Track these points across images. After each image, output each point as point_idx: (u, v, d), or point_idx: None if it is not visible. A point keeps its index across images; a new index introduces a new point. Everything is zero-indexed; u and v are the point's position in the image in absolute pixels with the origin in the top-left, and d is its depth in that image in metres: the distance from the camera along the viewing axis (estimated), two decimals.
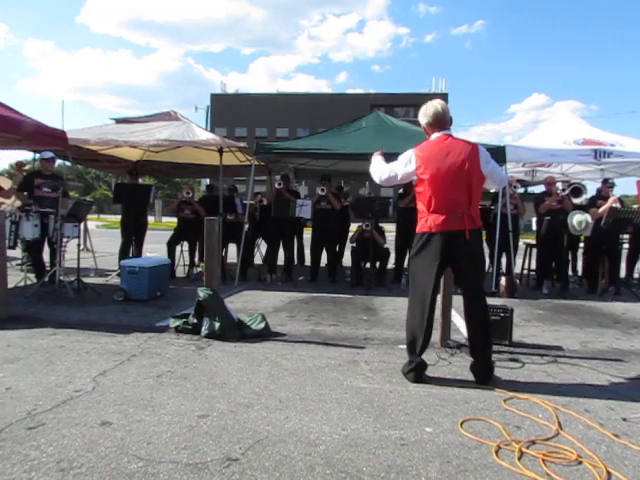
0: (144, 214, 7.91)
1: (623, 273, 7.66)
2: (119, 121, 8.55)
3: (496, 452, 2.34)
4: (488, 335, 3.38)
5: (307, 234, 8.66)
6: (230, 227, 7.45)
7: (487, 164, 3.35)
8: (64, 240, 6.19)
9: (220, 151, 7.34)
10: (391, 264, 7.79)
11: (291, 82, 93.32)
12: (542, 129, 8.72)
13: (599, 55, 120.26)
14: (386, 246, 7.41)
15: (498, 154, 6.29)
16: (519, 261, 7.92)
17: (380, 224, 7.56)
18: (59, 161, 7.95)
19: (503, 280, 6.81)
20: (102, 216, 33.60)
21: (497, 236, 7.01)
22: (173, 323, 4.49)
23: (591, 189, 7.89)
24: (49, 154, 6.57)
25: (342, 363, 3.66)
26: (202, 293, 4.32)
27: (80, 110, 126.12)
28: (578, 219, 6.76)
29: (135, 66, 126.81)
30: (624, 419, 2.77)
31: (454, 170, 3.23)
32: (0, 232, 4.78)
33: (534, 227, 7.59)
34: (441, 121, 3.40)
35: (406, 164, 3.39)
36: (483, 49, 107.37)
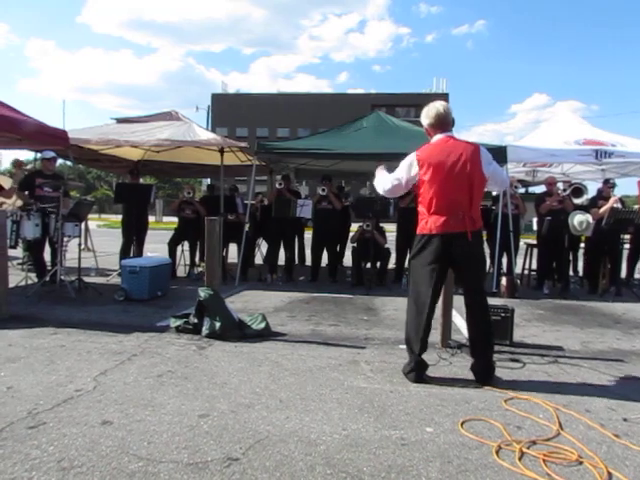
0: (145, 214, 7.93)
1: (624, 273, 7.65)
2: (120, 121, 8.55)
3: (497, 452, 2.34)
4: (489, 335, 3.38)
5: (308, 234, 8.67)
6: (231, 227, 7.46)
7: (489, 166, 3.34)
8: (65, 240, 6.19)
9: (221, 151, 7.34)
10: (392, 264, 7.79)
11: (292, 82, 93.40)
12: (543, 129, 8.71)
13: (600, 55, 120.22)
14: (387, 246, 7.41)
15: (499, 154, 6.29)
16: (520, 261, 7.92)
17: (381, 224, 7.56)
18: (60, 161, 7.96)
19: (504, 280, 6.80)
20: (103, 216, 33.65)
21: (498, 236, 7.00)
22: (174, 323, 4.50)
23: (592, 189, 7.88)
24: (50, 154, 6.58)
25: (343, 363, 3.66)
26: (203, 293, 4.32)
27: (81, 110, 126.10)
28: (579, 219, 6.76)
29: (136, 66, 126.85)
30: (625, 419, 2.77)
31: (455, 172, 3.22)
32: (1, 232, 4.78)
33: (535, 227, 7.59)
34: (443, 122, 3.40)
35: (409, 169, 3.37)
36: (484, 49, 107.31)
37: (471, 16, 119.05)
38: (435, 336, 4.16)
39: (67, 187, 6.43)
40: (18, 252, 7.57)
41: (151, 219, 10.11)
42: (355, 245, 7.46)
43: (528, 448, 2.39)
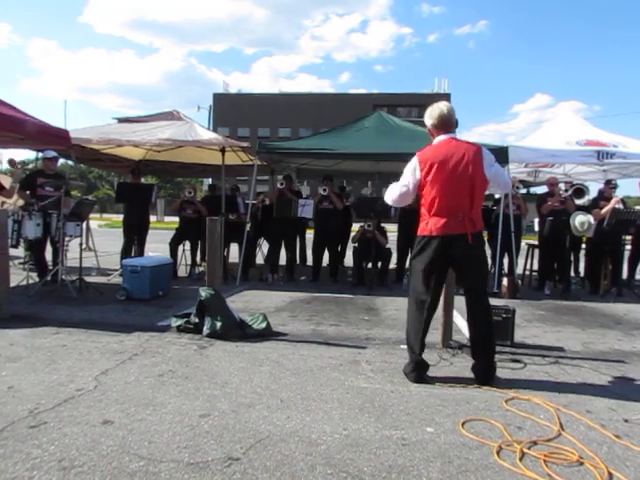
0: (146, 213, 7.93)
1: (625, 274, 7.63)
2: (122, 121, 8.57)
3: (497, 453, 2.34)
4: (491, 336, 3.38)
5: (309, 234, 8.67)
6: (232, 227, 7.46)
7: (491, 167, 3.32)
8: (66, 239, 6.20)
9: (222, 151, 7.34)
10: (393, 264, 7.79)
11: (294, 82, 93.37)
12: (545, 129, 8.70)
13: (602, 55, 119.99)
14: (388, 246, 7.41)
15: (501, 154, 6.29)
16: (521, 262, 7.91)
17: (382, 224, 7.56)
18: (62, 160, 7.97)
19: (505, 281, 6.80)
20: (104, 215, 33.69)
21: (499, 237, 7.00)
22: (175, 322, 4.50)
23: (593, 190, 7.88)
24: (52, 153, 6.59)
25: (343, 363, 3.66)
26: (204, 293, 4.33)
27: (83, 110, 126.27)
28: (580, 220, 6.75)
29: (138, 66, 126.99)
30: (626, 420, 2.77)
31: (456, 173, 3.22)
32: (2, 231, 4.79)
33: (536, 228, 7.58)
34: (446, 123, 3.39)
35: (413, 172, 3.36)
36: (486, 49, 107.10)
37: (473, 16, 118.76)
38: (436, 336, 4.17)
39: (68, 187, 6.44)
40: (19, 252, 7.59)
41: (152, 219, 10.11)
42: (356, 245, 7.46)
43: (529, 448, 2.39)
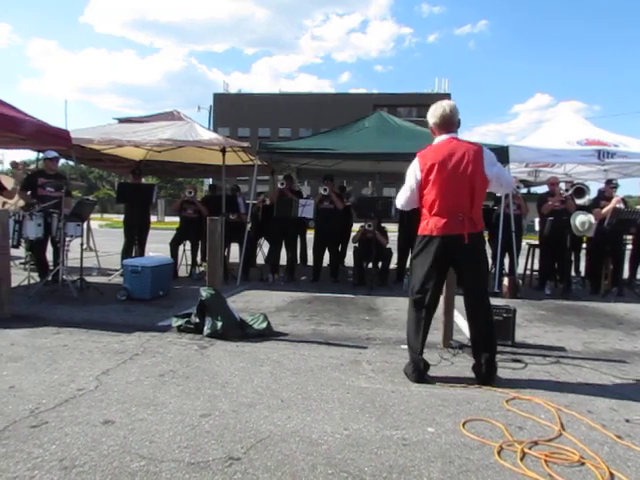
0: (147, 214, 7.93)
1: (626, 274, 7.63)
2: (122, 121, 8.57)
3: (498, 453, 2.33)
4: (492, 336, 3.37)
5: (310, 234, 8.67)
6: (233, 227, 7.46)
7: (492, 167, 3.31)
8: (67, 239, 6.21)
9: (223, 151, 7.34)
10: (393, 264, 7.79)
11: (294, 82, 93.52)
12: (545, 129, 8.69)
13: (603, 55, 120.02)
14: (388, 246, 7.41)
15: (501, 154, 6.28)
16: (522, 261, 7.91)
17: (382, 224, 7.56)
18: (62, 161, 7.97)
19: (506, 280, 6.79)
20: (105, 215, 33.72)
21: (500, 236, 6.99)
22: (175, 322, 4.50)
23: (594, 190, 7.87)
24: (52, 153, 6.60)
25: (344, 363, 3.66)
26: (204, 292, 4.33)
27: (83, 110, 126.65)
28: (581, 220, 6.74)
29: (139, 66, 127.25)
30: (627, 420, 2.77)
31: (456, 174, 3.21)
32: (3, 231, 4.79)
33: (537, 227, 7.57)
34: (448, 123, 3.38)
35: (414, 175, 3.36)
36: (486, 49, 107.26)
37: (473, 16, 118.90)
38: (437, 336, 4.16)
39: (69, 187, 6.44)
40: (20, 252, 7.59)
41: (153, 219, 10.11)
42: (357, 245, 7.46)
43: (530, 449, 2.39)
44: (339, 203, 7.73)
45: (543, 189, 8.65)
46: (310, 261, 8.70)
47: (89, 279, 6.57)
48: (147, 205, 7.83)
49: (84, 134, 7.30)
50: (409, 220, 6.86)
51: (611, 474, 2.18)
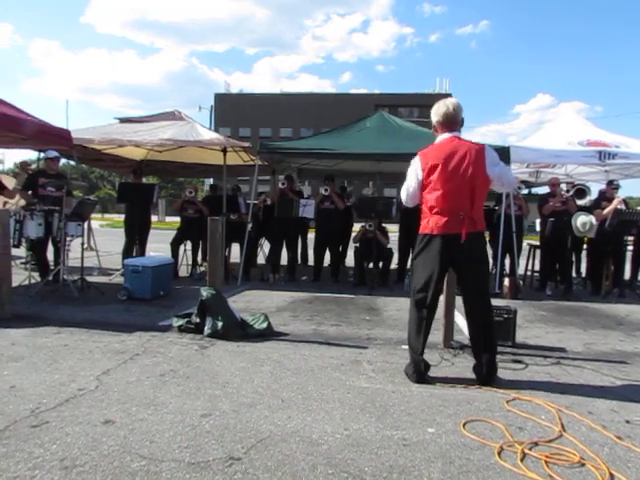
0: (148, 213, 7.94)
1: (627, 275, 7.62)
2: (123, 121, 8.56)
3: (499, 453, 2.33)
4: (492, 336, 3.37)
5: (311, 234, 8.67)
6: (233, 227, 7.46)
7: (494, 167, 3.30)
8: (68, 239, 6.22)
9: (224, 151, 7.34)
10: (394, 264, 7.79)
11: (295, 82, 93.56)
12: (546, 130, 8.69)
13: (604, 56, 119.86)
14: (389, 246, 7.40)
15: (502, 155, 6.26)
16: (523, 262, 7.90)
17: (383, 224, 7.56)
18: (63, 160, 7.98)
19: (506, 281, 6.79)
20: (106, 215, 33.75)
21: (501, 237, 6.99)
22: (176, 322, 4.50)
23: (595, 190, 7.88)
24: (53, 153, 6.61)
25: (345, 363, 3.66)
26: (205, 292, 4.33)
27: (84, 110, 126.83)
28: (582, 220, 6.74)
29: (139, 66, 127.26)
30: (627, 421, 2.76)
31: (457, 173, 3.20)
32: (4, 231, 4.80)
33: (538, 228, 7.57)
34: (451, 122, 3.37)
35: (416, 174, 3.37)
36: (488, 49, 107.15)
37: (475, 16, 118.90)
38: (437, 336, 4.16)
39: (70, 187, 6.45)
40: (21, 251, 7.60)
41: (154, 219, 10.12)
42: (357, 245, 7.46)
43: (530, 449, 2.39)
44: (340, 203, 7.73)
45: (544, 190, 8.67)
46: (311, 261, 8.70)
47: (90, 279, 6.58)
48: (148, 205, 7.84)
49: (85, 134, 7.31)
50: (410, 220, 6.86)
51: (611, 475, 2.18)
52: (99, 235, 11.31)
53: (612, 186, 7.27)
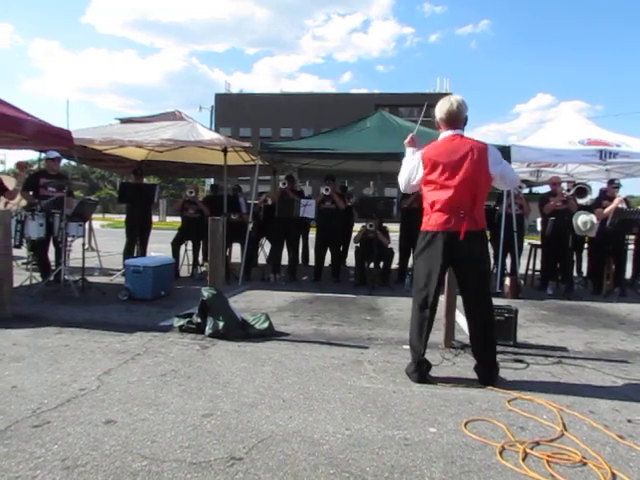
0: (148, 214, 7.94)
1: (630, 274, 7.62)
2: (124, 121, 8.57)
3: (500, 453, 2.33)
4: (492, 336, 3.36)
5: (312, 234, 8.67)
6: (234, 227, 7.47)
7: (497, 165, 3.30)
8: (69, 239, 6.22)
9: (224, 151, 7.34)
10: (395, 264, 7.78)
11: (295, 82, 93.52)
12: (547, 129, 8.68)
13: (605, 55, 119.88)
14: (390, 246, 7.40)
15: (503, 154, 6.25)
16: (524, 261, 7.89)
17: (384, 224, 7.56)
18: (64, 161, 7.98)
19: (507, 281, 6.78)
20: (107, 215, 33.76)
21: (502, 236, 6.99)
22: (177, 322, 4.51)
23: (596, 189, 7.87)
24: (54, 154, 6.61)
25: (346, 363, 3.65)
26: (206, 292, 4.33)
27: (85, 110, 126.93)
28: (583, 220, 6.73)
29: (140, 66, 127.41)
30: (629, 421, 2.76)
31: (459, 172, 3.19)
32: (6, 231, 4.80)
33: (539, 227, 7.57)
34: (454, 119, 3.35)
35: (417, 168, 3.37)
36: (488, 49, 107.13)
37: (475, 16, 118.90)
38: (439, 336, 4.16)
39: (71, 187, 6.45)
40: (22, 252, 7.61)
41: (155, 219, 10.12)
42: (358, 245, 7.46)
43: (532, 449, 2.39)
44: (341, 203, 7.73)
45: (545, 189, 8.67)
46: (312, 261, 8.69)
47: (91, 279, 6.58)
48: (149, 205, 7.84)
49: (86, 134, 7.31)
50: (411, 220, 6.86)
51: (613, 474, 2.18)
52: (100, 235, 11.31)
53: (613, 185, 7.26)
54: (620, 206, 6.69)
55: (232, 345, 4.03)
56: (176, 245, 7.83)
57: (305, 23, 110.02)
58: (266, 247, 8.70)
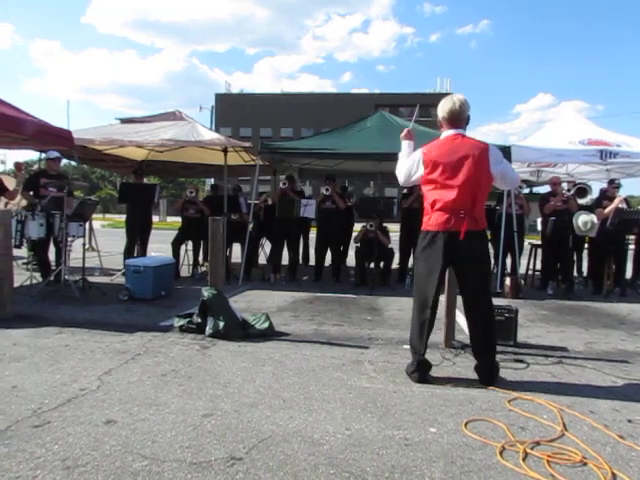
0: (149, 213, 7.94)
1: (630, 274, 7.62)
2: (124, 121, 8.57)
3: (500, 453, 2.33)
4: (492, 336, 3.36)
5: (313, 234, 8.67)
6: (234, 227, 7.47)
7: (497, 165, 3.30)
8: (69, 239, 6.22)
9: (225, 151, 7.34)
10: (395, 264, 7.78)
11: (296, 82, 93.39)
12: (547, 129, 8.68)
13: (605, 55, 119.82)
14: (390, 246, 7.40)
15: (504, 154, 6.26)
16: (524, 261, 7.89)
17: (384, 224, 7.56)
18: (65, 161, 7.99)
19: (508, 280, 6.78)
20: (107, 215, 33.78)
21: (502, 236, 6.98)
22: (177, 322, 4.51)
23: (596, 189, 7.87)
24: (55, 154, 6.61)
25: (346, 363, 3.65)
26: (206, 292, 4.33)
27: (85, 110, 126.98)
28: (584, 219, 6.73)
29: (140, 66, 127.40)
30: (629, 420, 2.76)
31: (460, 172, 3.19)
32: (6, 231, 4.80)
33: (539, 227, 7.57)
34: (456, 118, 3.35)
35: (416, 166, 3.37)
36: (488, 49, 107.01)
37: (475, 16, 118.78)
38: (439, 336, 4.16)
39: (71, 187, 6.45)
40: (23, 252, 7.61)
41: (155, 219, 10.12)
42: (359, 245, 7.46)
43: (532, 449, 2.39)
44: (341, 203, 7.73)
45: (545, 189, 8.67)
46: (312, 261, 8.69)
47: (91, 279, 6.58)
48: (149, 205, 7.84)
49: (86, 134, 7.32)
50: (411, 220, 6.86)
51: (613, 474, 2.18)
52: (100, 235, 11.31)
53: (613, 185, 7.26)
54: (620, 206, 6.69)
55: (232, 345, 4.03)
56: (176, 245, 7.83)
57: (305, 23, 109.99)
58: (266, 247, 8.71)
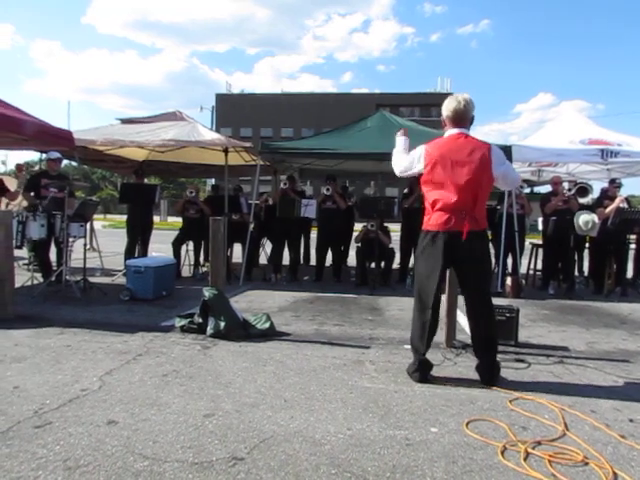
0: (150, 214, 7.95)
1: (631, 273, 7.61)
2: (125, 121, 8.58)
3: (502, 453, 2.33)
4: (493, 336, 3.36)
5: (313, 234, 8.67)
6: (235, 227, 7.47)
7: (500, 166, 3.29)
8: (70, 240, 6.23)
9: (225, 151, 7.35)
10: (396, 264, 7.78)
11: (296, 82, 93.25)
12: (548, 129, 8.68)
13: (606, 54, 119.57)
14: (391, 246, 7.40)
15: (504, 154, 6.27)
16: (525, 261, 7.89)
17: (385, 224, 7.56)
18: (65, 161, 8.00)
19: (509, 280, 6.78)
20: (108, 216, 33.82)
21: (503, 236, 6.98)
22: (178, 323, 4.51)
23: (597, 189, 7.86)
24: (55, 154, 6.62)
25: (347, 363, 3.66)
26: (207, 293, 4.33)
27: (86, 111, 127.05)
28: (584, 219, 6.73)
29: (141, 66, 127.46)
30: (631, 420, 2.76)
31: (461, 172, 3.19)
32: (7, 232, 4.81)
33: (540, 227, 7.56)
34: (460, 118, 3.34)
35: (417, 161, 3.38)
36: (489, 48, 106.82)
37: (475, 16, 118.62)
38: (440, 336, 4.14)
39: (72, 187, 6.46)
40: (24, 252, 7.62)
41: (156, 219, 10.13)
42: (359, 245, 7.46)
43: (533, 449, 2.39)
44: (342, 203, 7.73)
45: (546, 189, 8.66)
46: (313, 261, 8.69)
47: (92, 279, 6.59)
48: (150, 205, 7.85)
49: (87, 135, 7.33)
50: (412, 220, 6.86)
51: (615, 474, 2.18)
52: (101, 236, 11.32)
53: (614, 185, 7.26)
54: (621, 206, 6.69)
55: (233, 345, 4.03)
56: (177, 245, 7.83)
57: (306, 23, 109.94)
58: (267, 247, 8.71)
